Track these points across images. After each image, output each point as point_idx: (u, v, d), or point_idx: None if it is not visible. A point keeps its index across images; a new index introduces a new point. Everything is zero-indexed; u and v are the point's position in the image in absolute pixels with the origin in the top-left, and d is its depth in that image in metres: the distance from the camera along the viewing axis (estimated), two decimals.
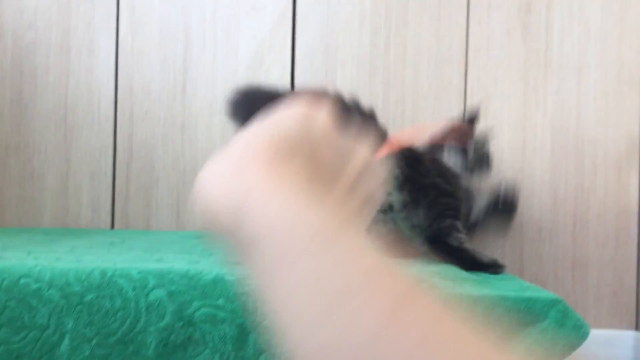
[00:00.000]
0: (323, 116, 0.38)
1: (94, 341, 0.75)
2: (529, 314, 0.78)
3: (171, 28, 1.34)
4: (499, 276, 0.96)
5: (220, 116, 1.34)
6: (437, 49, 1.35)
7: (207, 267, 0.81)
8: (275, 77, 1.34)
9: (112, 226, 1.35)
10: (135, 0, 1.34)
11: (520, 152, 1.36)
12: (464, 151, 1.13)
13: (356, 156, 0.38)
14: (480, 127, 1.23)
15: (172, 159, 1.33)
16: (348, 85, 1.33)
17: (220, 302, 0.77)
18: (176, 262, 0.86)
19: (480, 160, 1.17)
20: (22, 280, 0.76)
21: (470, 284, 0.85)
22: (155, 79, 1.34)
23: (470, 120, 1.21)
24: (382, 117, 1.32)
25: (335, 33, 1.34)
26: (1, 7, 1.34)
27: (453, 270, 0.92)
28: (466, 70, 1.36)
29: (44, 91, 1.34)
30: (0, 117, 1.34)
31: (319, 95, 1.06)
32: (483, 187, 1.22)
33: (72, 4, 1.34)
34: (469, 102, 1.36)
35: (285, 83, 1.34)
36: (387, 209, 1.01)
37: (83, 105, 1.34)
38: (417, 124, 1.33)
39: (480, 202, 1.19)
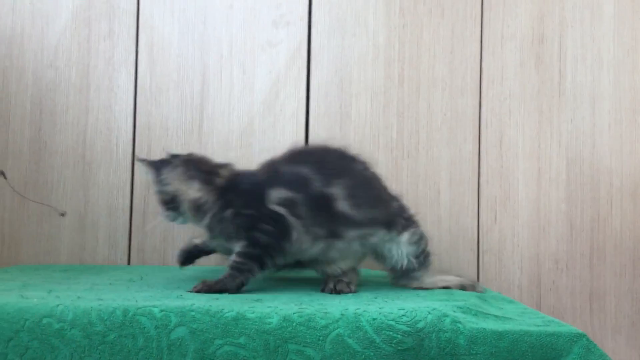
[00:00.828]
0: None
1: None
2: (553, 349, 0.76)
3: (188, 65, 1.36)
4: (520, 309, 0.94)
5: (235, 151, 1.35)
6: (450, 81, 1.36)
7: (228, 304, 0.81)
8: (290, 111, 1.35)
9: (129, 262, 1.35)
10: (154, 38, 1.36)
11: (535, 182, 1.36)
12: None
13: None
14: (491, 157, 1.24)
15: None
16: (363, 118, 1.34)
17: (242, 340, 0.76)
18: (195, 298, 0.86)
19: None
20: (44, 320, 0.75)
21: (493, 319, 0.84)
22: (172, 115, 1.36)
23: None
24: (396, 149, 1.32)
25: (350, 66, 1.35)
26: (22, 47, 1.37)
27: (475, 305, 0.90)
28: (480, 101, 1.37)
29: (63, 129, 1.36)
30: (20, 155, 1.36)
31: None
32: None
33: (92, 42, 1.37)
34: (483, 133, 1.36)
35: (300, 116, 1.35)
36: None
37: (101, 142, 1.36)
38: None
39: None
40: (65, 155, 1.36)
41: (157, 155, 1.35)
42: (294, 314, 0.78)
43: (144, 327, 0.76)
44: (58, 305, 0.77)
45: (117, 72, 1.37)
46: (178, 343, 0.75)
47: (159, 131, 1.35)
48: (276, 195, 0.96)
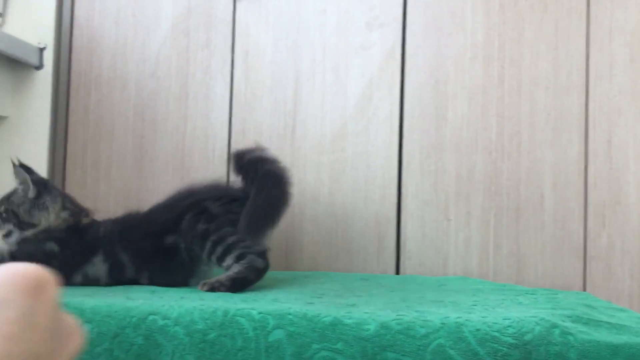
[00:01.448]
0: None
1: None
2: None
3: (282, 71, 1.38)
4: (634, 318, 0.86)
5: (328, 155, 1.34)
6: (554, 79, 1.28)
7: (324, 308, 0.79)
8: (383, 114, 1.32)
9: None
10: (249, 46, 1.39)
11: None
12: None
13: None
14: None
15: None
16: (460, 119, 1.29)
17: (339, 346, 0.74)
18: (290, 302, 0.85)
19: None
20: (150, 318, 0.77)
21: (606, 329, 0.77)
22: (266, 121, 1.38)
23: None
24: (496, 151, 1.26)
25: (446, 67, 1.31)
26: (125, 57, 1.44)
27: (585, 313, 0.83)
28: (587, 100, 1.27)
29: (163, 136, 1.42)
30: (124, 162, 1.43)
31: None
32: None
33: (190, 51, 1.42)
34: (590, 133, 1.26)
35: (394, 119, 1.32)
36: None
37: (199, 149, 1.40)
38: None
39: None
40: (165, 162, 1.41)
41: None
42: (392, 320, 0.75)
43: (243, 328, 0.76)
44: (163, 305, 0.79)
45: (214, 80, 1.40)
46: (276, 345, 0.75)
47: (254, 137, 1.38)
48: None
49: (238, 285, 0.96)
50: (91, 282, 1.02)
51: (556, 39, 1.28)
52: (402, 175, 1.31)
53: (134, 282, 1.04)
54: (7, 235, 1.03)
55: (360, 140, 1.33)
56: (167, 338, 0.76)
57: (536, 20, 1.29)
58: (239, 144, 1.38)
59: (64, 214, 1.06)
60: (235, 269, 0.98)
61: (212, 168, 1.38)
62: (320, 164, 1.35)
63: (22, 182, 1.05)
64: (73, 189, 1.43)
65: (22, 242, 1.02)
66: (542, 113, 1.27)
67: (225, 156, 1.39)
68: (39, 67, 1.42)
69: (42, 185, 1.06)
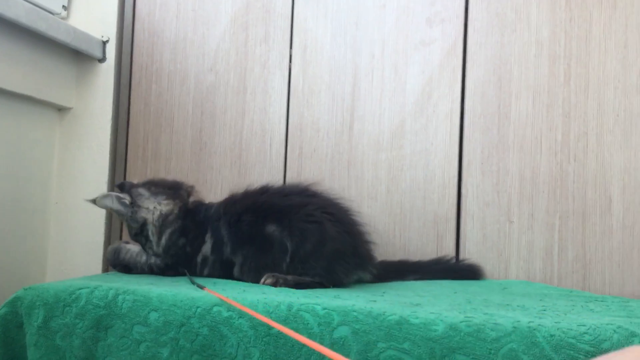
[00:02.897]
0: None
1: None
2: None
3: (340, 67, 1.36)
4: None
5: (386, 152, 1.32)
6: (624, 78, 1.22)
7: (388, 306, 0.78)
8: (444, 112, 1.30)
9: None
10: (307, 41, 1.39)
11: None
12: None
13: None
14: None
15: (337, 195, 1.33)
16: (523, 118, 1.25)
17: (406, 345, 0.72)
18: (352, 299, 0.84)
19: None
20: (214, 309, 0.78)
21: None
22: (323, 117, 1.37)
23: None
24: (561, 153, 1.22)
25: (509, 64, 1.27)
26: (185, 51, 1.46)
27: None
28: None
29: (222, 130, 1.43)
30: (183, 155, 1.44)
31: None
32: None
33: (249, 46, 1.42)
34: None
35: (455, 117, 1.29)
36: None
37: (256, 143, 1.40)
38: None
39: None
40: (223, 155, 1.42)
41: (309, 156, 1.37)
42: (461, 322, 0.72)
43: (307, 323, 0.75)
44: (227, 297, 0.79)
45: (272, 74, 1.40)
46: (341, 342, 0.74)
47: (310, 132, 1.37)
48: None
49: (300, 288, 0.95)
50: (204, 260, 1.05)
51: (626, 37, 1.23)
52: (462, 175, 1.28)
53: (229, 262, 1.04)
54: (147, 254, 1.08)
55: (419, 138, 1.31)
56: (231, 330, 0.76)
57: (605, 16, 1.24)
58: (295, 139, 1.38)
59: (161, 199, 1.07)
60: (308, 276, 0.98)
61: (269, 163, 1.38)
62: (378, 162, 1.33)
63: (106, 198, 1.06)
64: (134, 179, 1.45)
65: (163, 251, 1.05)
66: (611, 113, 1.22)
67: (282, 151, 1.39)
68: (102, 59, 1.44)
69: (126, 188, 1.10)
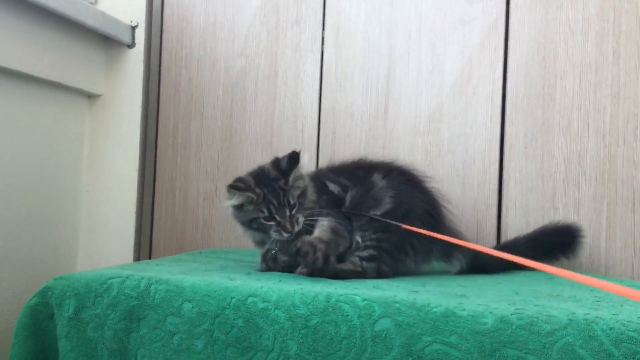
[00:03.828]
0: None
1: None
2: None
3: (374, 48, 1.31)
4: None
5: (422, 137, 1.27)
6: None
7: (432, 298, 0.73)
8: (484, 93, 1.24)
9: None
10: (340, 21, 1.34)
11: None
12: None
13: None
14: None
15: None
16: (569, 100, 1.19)
17: (453, 339, 0.68)
18: (393, 289, 0.80)
19: None
20: (249, 300, 0.74)
21: None
22: (357, 100, 1.32)
23: None
24: (610, 135, 1.15)
25: (554, 42, 1.20)
26: (215, 35, 1.42)
27: None
28: None
29: (252, 116, 1.39)
30: (213, 141, 1.41)
31: None
32: None
33: (280, 29, 1.38)
34: None
35: (496, 99, 1.23)
36: None
37: (288, 129, 1.36)
38: None
39: None
40: (254, 141, 1.39)
41: (342, 141, 1.32)
42: (511, 315, 0.68)
43: (347, 315, 0.71)
44: (262, 287, 0.75)
45: (304, 58, 1.36)
46: (383, 335, 0.70)
47: (344, 117, 1.32)
48: None
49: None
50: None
51: None
52: (504, 160, 1.22)
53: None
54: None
55: (458, 122, 1.25)
56: (267, 322, 0.73)
57: None
58: (328, 124, 1.34)
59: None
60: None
61: (301, 148, 1.33)
62: (414, 146, 1.28)
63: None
64: (164, 167, 1.44)
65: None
66: None
67: (314, 137, 1.35)
68: (131, 45, 1.42)
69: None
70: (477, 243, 1.22)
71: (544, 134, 1.20)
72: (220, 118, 1.41)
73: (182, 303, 0.76)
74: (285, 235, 0.94)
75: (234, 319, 0.74)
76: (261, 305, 0.73)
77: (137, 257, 1.41)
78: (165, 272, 0.87)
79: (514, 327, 0.66)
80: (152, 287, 0.78)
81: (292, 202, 0.95)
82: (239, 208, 0.96)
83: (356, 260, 0.95)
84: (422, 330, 0.69)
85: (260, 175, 0.98)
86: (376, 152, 1.30)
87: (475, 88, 1.24)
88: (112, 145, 1.42)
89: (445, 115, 1.26)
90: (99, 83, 1.42)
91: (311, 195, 1.00)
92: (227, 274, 0.87)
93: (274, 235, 0.94)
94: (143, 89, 1.41)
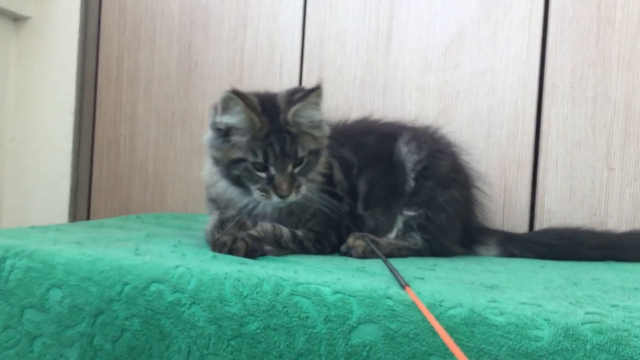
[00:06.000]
0: None
1: None
2: None
3: None
4: None
5: (436, 74, 0.98)
6: None
7: (447, 291, 0.47)
8: (519, 15, 0.94)
9: None
10: None
11: None
12: None
13: None
14: None
15: None
16: (634, 24, 0.88)
17: None
18: (384, 273, 0.52)
19: None
20: (152, 287, 0.46)
21: None
22: (351, 26, 1.03)
23: None
24: None
25: None
26: None
27: None
28: None
29: (217, 45, 1.11)
30: (167, 77, 1.14)
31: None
32: None
33: None
34: None
35: (535, 23, 0.93)
36: None
37: (262, 62, 1.09)
38: None
39: None
40: (219, 77, 1.12)
41: (332, 79, 1.03)
42: (582, 325, 0.41)
43: (307, 317, 0.44)
44: (176, 267, 0.47)
45: None
46: (364, 354, 0.42)
47: (334, 47, 1.04)
48: None
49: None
50: None
51: None
52: (543, 104, 0.93)
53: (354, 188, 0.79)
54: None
55: (484, 54, 0.96)
56: (178, 324, 0.45)
57: None
58: (314, 57, 1.06)
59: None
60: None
61: (280, 86, 1.06)
62: (424, 86, 0.99)
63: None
64: (106, 109, 1.17)
65: None
66: None
67: (296, 72, 1.07)
68: None
69: None
70: (503, 212, 0.94)
71: (599, 69, 0.91)
72: (177, 47, 1.14)
73: (49, 290, 0.49)
74: (275, 200, 0.66)
75: (126, 318, 0.46)
76: (170, 297, 0.46)
77: (74, 217, 1.15)
78: (48, 240, 0.58)
79: (588, 346, 0.39)
80: (8, 263, 0.50)
81: (300, 154, 0.67)
82: (224, 134, 0.67)
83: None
84: (429, 348, 0.41)
85: (266, 102, 0.69)
86: (375, 94, 1.01)
87: (507, 7, 0.95)
88: (43, 82, 1.17)
89: (467, 44, 0.97)
90: (27, 2, 1.17)
91: (324, 165, 0.73)
92: (142, 246, 0.59)
93: (257, 195, 0.66)
94: (81, 9, 1.16)
